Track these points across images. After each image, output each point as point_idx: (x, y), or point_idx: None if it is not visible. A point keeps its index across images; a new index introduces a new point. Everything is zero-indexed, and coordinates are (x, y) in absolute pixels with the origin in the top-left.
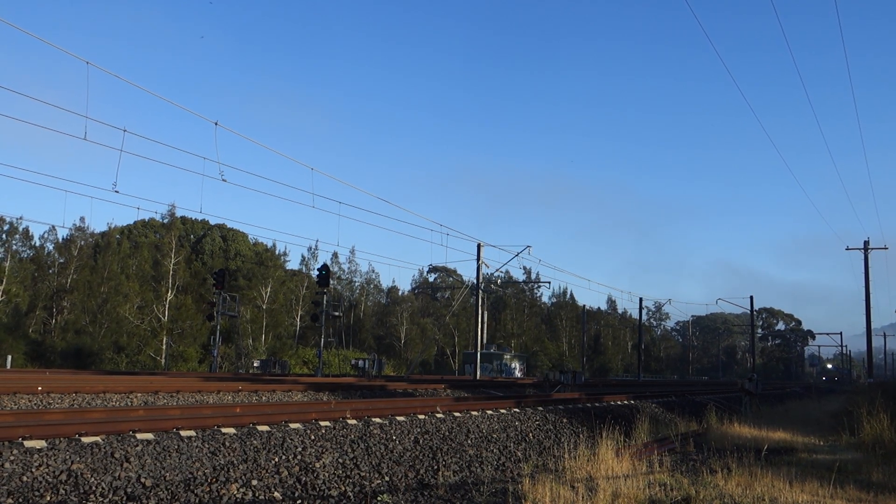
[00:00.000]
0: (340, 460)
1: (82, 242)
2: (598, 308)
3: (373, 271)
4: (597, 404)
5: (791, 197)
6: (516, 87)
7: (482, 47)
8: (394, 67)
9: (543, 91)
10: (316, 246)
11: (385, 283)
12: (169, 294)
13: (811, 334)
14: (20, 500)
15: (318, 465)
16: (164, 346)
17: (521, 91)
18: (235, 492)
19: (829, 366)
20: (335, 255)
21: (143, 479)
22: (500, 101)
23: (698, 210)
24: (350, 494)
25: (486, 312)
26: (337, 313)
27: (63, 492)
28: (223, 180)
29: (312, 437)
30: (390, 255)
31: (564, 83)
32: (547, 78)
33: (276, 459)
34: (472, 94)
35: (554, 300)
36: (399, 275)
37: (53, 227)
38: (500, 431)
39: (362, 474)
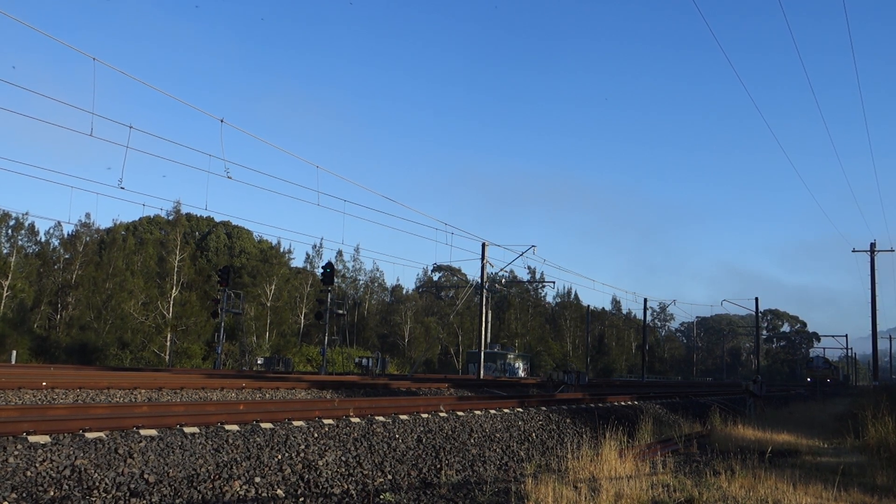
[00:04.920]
0: (343, 458)
1: (87, 238)
2: (603, 308)
3: (377, 270)
4: (600, 405)
5: (797, 199)
6: (522, 88)
7: (489, 47)
8: (399, 67)
9: (549, 92)
10: (320, 244)
11: (389, 282)
12: (173, 291)
13: (816, 336)
14: (24, 494)
15: (321, 462)
16: (168, 343)
17: (526, 92)
18: (238, 489)
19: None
20: (340, 253)
21: (146, 476)
22: (505, 102)
23: (703, 212)
24: (353, 493)
25: (490, 312)
26: (341, 311)
27: (66, 487)
28: (229, 177)
29: (316, 435)
30: (395, 253)
31: (570, 84)
32: (553, 79)
33: (280, 457)
34: (477, 95)
35: (558, 300)
36: (403, 273)
37: (59, 222)
38: (503, 431)
39: (365, 472)
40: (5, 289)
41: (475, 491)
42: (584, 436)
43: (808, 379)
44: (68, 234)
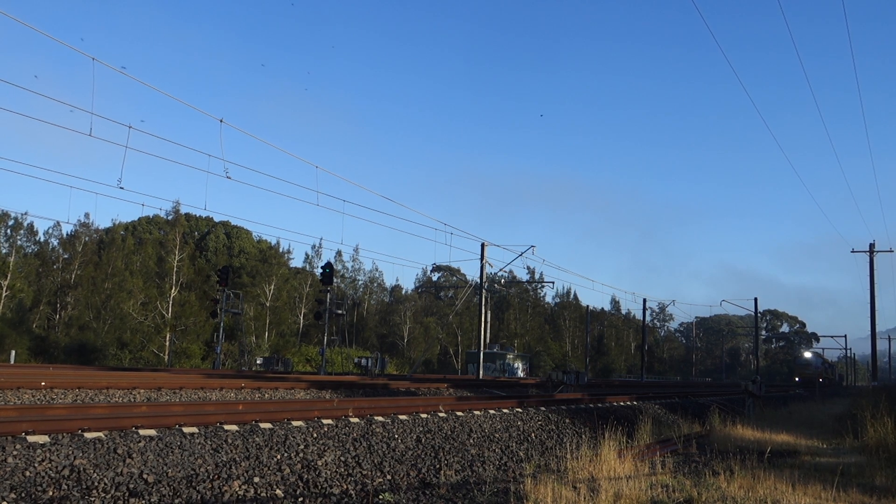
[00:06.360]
0: (342, 458)
1: (87, 238)
2: (602, 308)
3: (376, 270)
4: (600, 405)
5: (796, 200)
6: (521, 88)
7: (489, 47)
8: (399, 67)
9: (548, 92)
10: (320, 244)
11: (389, 282)
12: (173, 291)
13: (815, 337)
14: (23, 494)
15: (320, 462)
16: (167, 343)
17: (526, 92)
18: (237, 489)
19: (808, 354)
20: (339, 253)
21: (145, 475)
22: (505, 102)
23: (703, 212)
24: (352, 493)
25: (489, 312)
26: (340, 311)
27: (65, 487)
28: (228, 177)
29: (315, 435)
30: (394, 253)
31: (569, 84)
32: (552, 79)
33: (279, 457)
34: (477, 94)
35: (557, 300)
36: (403, 273)
37: (58, 222)
38: (502, 431)
39: (364, 473)
40: (4, 289)
41: (474, 491)
42: (584, 436)
43: (797, 378)
44: (67, 234)
